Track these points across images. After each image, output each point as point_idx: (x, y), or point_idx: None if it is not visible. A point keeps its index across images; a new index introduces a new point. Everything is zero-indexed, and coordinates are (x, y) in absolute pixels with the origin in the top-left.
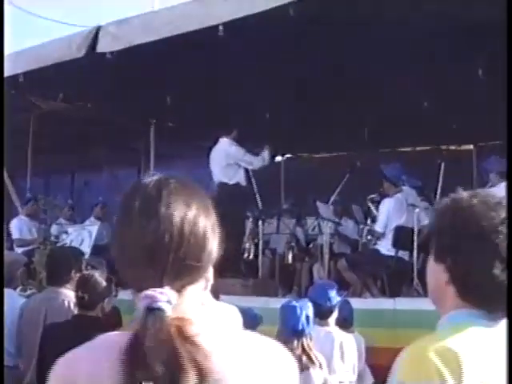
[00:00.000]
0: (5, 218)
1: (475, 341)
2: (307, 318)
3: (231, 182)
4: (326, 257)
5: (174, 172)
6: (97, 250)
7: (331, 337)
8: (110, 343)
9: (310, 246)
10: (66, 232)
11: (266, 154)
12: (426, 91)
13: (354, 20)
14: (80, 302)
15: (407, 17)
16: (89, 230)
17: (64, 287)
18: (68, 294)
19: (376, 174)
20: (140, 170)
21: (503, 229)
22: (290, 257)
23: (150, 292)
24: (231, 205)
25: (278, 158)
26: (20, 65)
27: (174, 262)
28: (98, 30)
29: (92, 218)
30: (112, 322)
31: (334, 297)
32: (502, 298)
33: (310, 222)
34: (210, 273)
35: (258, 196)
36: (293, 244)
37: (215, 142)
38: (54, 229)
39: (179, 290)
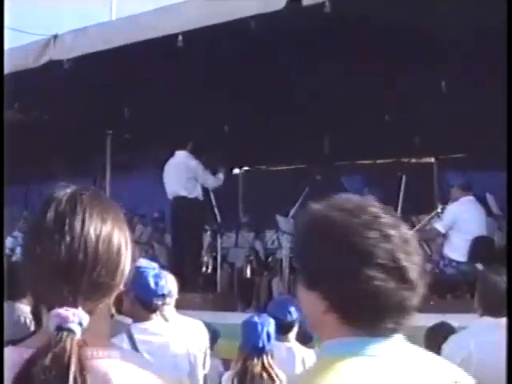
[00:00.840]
0: None
1: (351, 373)
2: (268, 334)
3: (190, 196)
4: (286, 271)
5: (130, 182)
6: None
7: (292, 352)
8: (10, 358)
9: (269, 259)
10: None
11: (221, 175)
12: (387, 104)
13: (313, 32)
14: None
15: (368, 29)
16: None
17: (20, 302)
18: (24, 310)
19: (337, 187)
20: (95, 181)
21: (369, 233)
22: (248, 271)
23: (62, 312)
24: (189, 219)
25: (236, 171)
26: None
27: (89, 280)
28: (54, 38)
29: None
30: None
31: (294, 311)
32: (391, 312)
33: (269, 235)
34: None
35: (216, 209)
36: (251, 258)
37: (171, 155)
38: (8, 241)
39: (92, 311)
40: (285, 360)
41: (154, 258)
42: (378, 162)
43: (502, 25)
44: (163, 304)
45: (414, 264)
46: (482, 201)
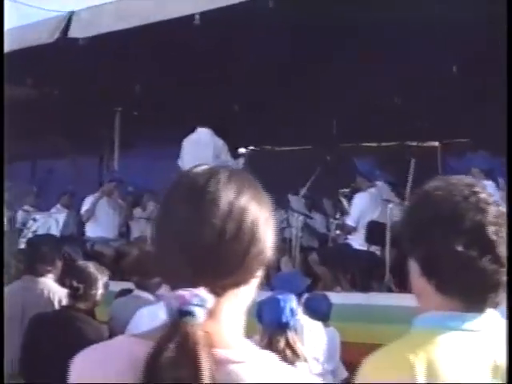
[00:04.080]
0: None
1: (449, 347)
2: (291, 310)
3: None
4: (297, 250)
5: (138, 159)
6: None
7: (300, 324)
8: (128, 350)
9: (278, 239)
10: (34, 219)
11: (241, 162)
12: (398, 86)
13: (326, 14)
14: (73, 293)
15: (381, 15)
16: (56, 218)
17: (44, 276)
18: (48, 284)
19: (349, 168)
20: (102, 159)
21: (469, 210)
22: None
23: (181, 292)
24: None
25: (242, 150)
26: None
27: (214, 258)
28: (70, 15)
29: (58, 206)
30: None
31: (300, 285)
32: (480, 285)
33: (279, 215)
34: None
35: None
36: None
37: (186, 132)
38: (19, 216)
39: (218, 293)
40: None
41: None
42: (385, 144)
43: None
44: None
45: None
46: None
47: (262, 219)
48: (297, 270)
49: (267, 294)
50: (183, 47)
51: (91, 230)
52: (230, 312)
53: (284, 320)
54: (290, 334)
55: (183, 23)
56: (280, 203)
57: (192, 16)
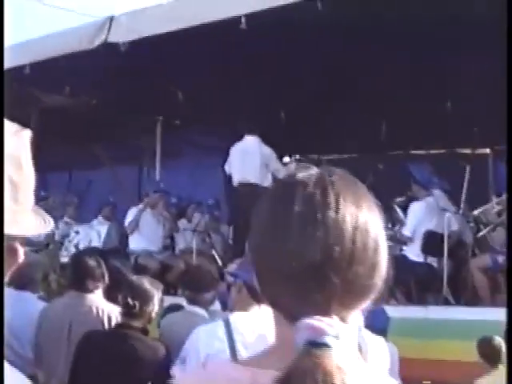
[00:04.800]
0: None
1: None
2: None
3: (262, 184)
4: None
5: (180, 169)
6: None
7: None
8: (230, 377)
9: None
10: (77, 232)
11: (292, 166)
12: (450, 90)
13: (376, 17)
14: (128, 310)
15: (432, 18)
16: (98, 230)
17: (91, 293)
18: (96, 300)
19: (402, 177)
20: (142, 169)
21: None
22: None
23: (314, 322)
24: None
25: (286, 159)
26: (27, 55)
27: (344, 281)
28: (111, 20)
29: (100, 218)
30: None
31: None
32: None
33: None
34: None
35: None
36: None
37: (230, 140)
38: (61, 228)
39: (343, 319)
40: None
41: (211, 247)
42: (433, 151)
43: None
44: None
45: None
46: None
47: (380, 236)
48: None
49: None
50: (228, 52)
51: (135, 243)
52: (352, 336)
53: None
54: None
55: (228, 27)
56: None
57: (238, 19)
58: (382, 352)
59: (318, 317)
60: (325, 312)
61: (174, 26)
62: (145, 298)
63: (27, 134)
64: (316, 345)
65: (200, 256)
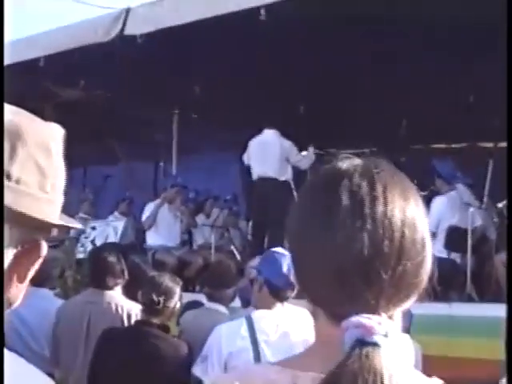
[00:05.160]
0: None
1: None
2: None
3: (281, 178)
4: None
5: (196, 164)
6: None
7: None
8: (269, 379)
9: None
10: (94, 228)
11: (311, 153)
12: (473, 84)
13: (398, 8)
14: (150, 307)
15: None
16: (114, 226)
17: (111, 289)
18: (115, 297)
19: (424, 171)
20: (158, 163)
21: None
22: None
23: (364, 320)
24: (277, 202)
25: (304, 153)
26: (41, 48)
27: (393, 278)
28: (127, 12)
29: (116, 213)
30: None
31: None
32: None
33: None
34: None
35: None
36: None
37: (247, 135)
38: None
39: (391, 317)
40: None
41: (230, 243)
42: (455, 146)
43: None
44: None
45: None
46: None
47: (426, 230)
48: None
49: None
50: (247, 44)
51: (152, 238)
52: (397, 335)
53: None
54: None
55: (247, 18)
56: None
57: (257, 10)
58: (407, 350)
59: (366, 314)
60: (373, 310)
61: (191, 17)
62: (168, 294)
63: (59, 128)
64: (366, 344)
65: (218, 252)
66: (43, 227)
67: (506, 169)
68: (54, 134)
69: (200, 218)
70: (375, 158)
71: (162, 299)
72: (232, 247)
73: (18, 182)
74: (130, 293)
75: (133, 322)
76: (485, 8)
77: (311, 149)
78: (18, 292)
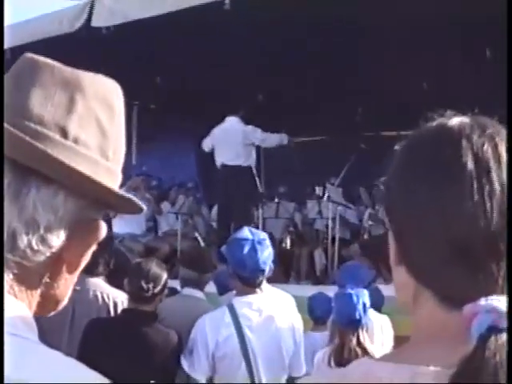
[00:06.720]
0: None
1: None
2: (364, 305)
3: (244, 164)
4: (334, 241)
5: (155, 153)
6: None
7: (370, 320)
8: (370, 376)
9: (310, 230)
10: None
11: (283, 135)
12: (425, 72)
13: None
14: (139, 294)
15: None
16: None
17: (95, 276)
18: (99, 285)
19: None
20: None
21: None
22: (288, 241)
23: (496, 303)
24: (241, 188)
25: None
26: (6, 40)
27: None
28: (92, 3)
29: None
30: None
31: (366, 277)
32: None
33: (310, 205)
34: None
35: (258, 179)
36: (291, 229)
37: (208, 123)
38: None
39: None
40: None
41: (194, 229)
42: (402, 133)
43: None
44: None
45: None
46: None
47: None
48: (359, 263)
49: (313, 289)
50: (210, 36)
51: (118, 226)
52: None
53: (357, 317)
54: (361, 332)
55: (211, 8)
56: (311, 194)
57: (221, 2)
58: (387, 330)
59: (496, 296)
60: (494, 292)
61: (157, 9)
62: (156, 281)
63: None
64: (500, 331)
65: (183, 238)
66: (107, 201)
67: None
68: (117, 91)
69: (165, 206)
70: (482, 117)
71: (151, 286)
72: (196, 234)
73: (76, 141)
74: (114, 281)
75: (119, 310)
76: None
77: (283, 133)
78: (66, 287)
